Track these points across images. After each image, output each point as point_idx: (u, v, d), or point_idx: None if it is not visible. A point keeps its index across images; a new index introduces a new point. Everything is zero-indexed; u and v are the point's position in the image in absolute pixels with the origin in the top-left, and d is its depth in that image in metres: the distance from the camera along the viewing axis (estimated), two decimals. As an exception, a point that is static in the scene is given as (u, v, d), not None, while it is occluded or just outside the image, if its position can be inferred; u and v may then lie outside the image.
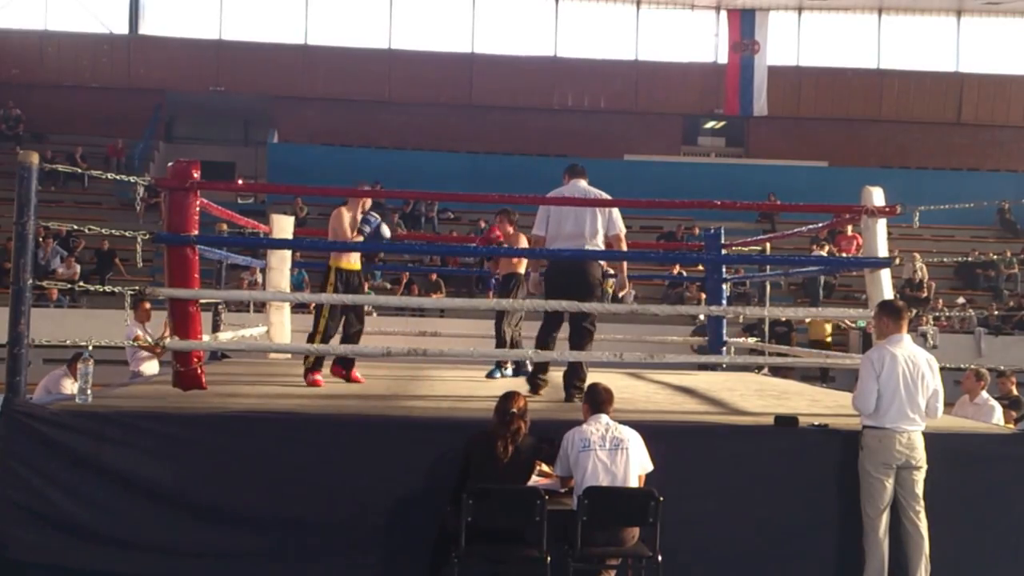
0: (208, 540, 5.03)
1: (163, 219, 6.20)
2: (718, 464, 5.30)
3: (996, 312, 18.33)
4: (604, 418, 4.97)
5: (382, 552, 5.08)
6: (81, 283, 14.64)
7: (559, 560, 4.70)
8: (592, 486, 4.74)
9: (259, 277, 14.27)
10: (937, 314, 17.12)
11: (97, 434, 5.10)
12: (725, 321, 9.91)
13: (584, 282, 6.47)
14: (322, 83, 24.77)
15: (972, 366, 8.28)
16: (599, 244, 6.60)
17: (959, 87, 25.99)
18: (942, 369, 5.40)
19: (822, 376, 14.64)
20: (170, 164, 6.31)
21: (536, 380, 6.78)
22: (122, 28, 25.28)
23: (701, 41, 26.00)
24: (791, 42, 26.05)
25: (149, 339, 8.30)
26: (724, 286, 9.91)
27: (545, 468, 5.12)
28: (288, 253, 9.46)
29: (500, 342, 7.70)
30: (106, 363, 7.55)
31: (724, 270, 10.03)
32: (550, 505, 4.70)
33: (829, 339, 15.39)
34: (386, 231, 7.22)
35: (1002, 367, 9.89)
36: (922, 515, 5.12)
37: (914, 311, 15.07)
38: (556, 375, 6.86)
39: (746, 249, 10.34)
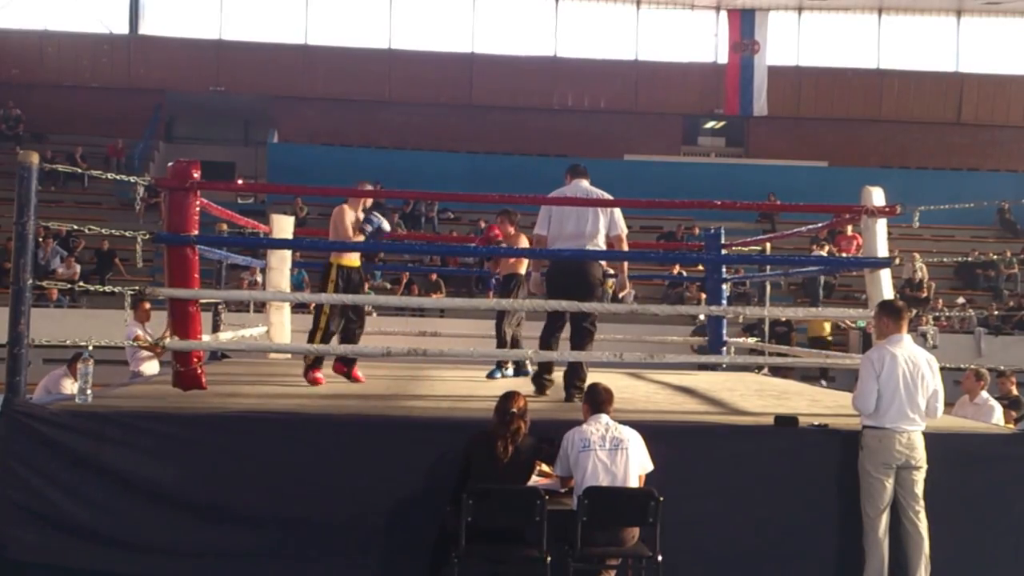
0: (208, 540, 5.03)
1: (163, 219, 6.20)
2: (718, 464, 5.30)
3: (996, 312, 18.32)
4: (604, 418, 4.97)
5: (382, 552, 5.08)
6: (81, 283, 14.62)
7: (559, 560, 4.70)
8: (592, 486, 4.74)
9: (259, 277, 14.27)
10: (937, 314, 17.12)
11: (97, 434, 5.10)
12: (725, 321, 9.91)
13: (585, 282, 6.47)
14: (322, 83, 24.75)
15: (972, 366, 8.28)
16: (600, 244, 6.61)
17: (959, 87, 25.98)
18: (942, 369, 5.40)
19: (821, 374, 14.63)
20: (170, 164, 6.31)
21: (542, 380, 6.78)
22: (122, 28, 25.27)
23: (701, 41, 25.99)
24: (791, 42, 26.04)
25: (149, 339, 8.30)
26: (724, 286, 9.92)
27: (545, 468, 5.12)
28: (288, 253, 9.46)
29: (500, 342, 7.70)
30: (106, 363, 7.54)
31: (724, 270, 10.04)
32: (550, 505, 4.70)
33: (829, 337, 15.38)
34: (385, 224, 7.22)
35: (1002, 367, 9.89)
36: (922, 515, 5.12)
37: (914, 311, 15.08)
38: (557, 375, 6.87)
39: (746, 249, 10.34)
